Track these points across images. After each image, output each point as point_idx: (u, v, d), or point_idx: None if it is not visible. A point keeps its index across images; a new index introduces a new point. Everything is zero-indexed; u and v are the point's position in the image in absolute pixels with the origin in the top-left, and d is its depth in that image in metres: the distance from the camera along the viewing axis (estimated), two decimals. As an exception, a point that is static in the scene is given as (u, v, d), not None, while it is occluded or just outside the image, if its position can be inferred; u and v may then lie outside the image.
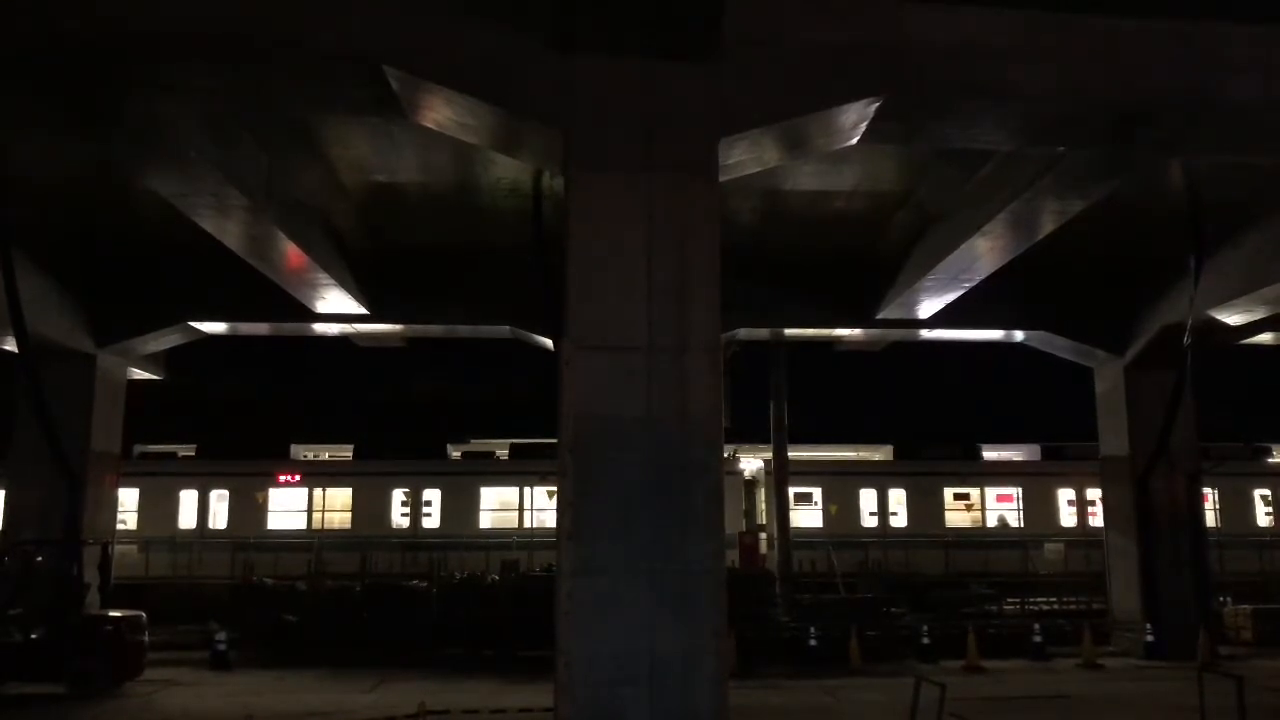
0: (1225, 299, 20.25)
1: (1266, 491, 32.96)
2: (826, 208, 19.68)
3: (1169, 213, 19.11)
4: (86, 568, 19.46)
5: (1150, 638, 23.06)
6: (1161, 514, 24.01)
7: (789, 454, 28.78)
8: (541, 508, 30.53)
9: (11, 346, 18.88)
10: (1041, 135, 13.00)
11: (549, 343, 21.59)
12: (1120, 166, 14.55)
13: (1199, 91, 12.15)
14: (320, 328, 23.62)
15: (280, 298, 20.90)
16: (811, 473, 31.64)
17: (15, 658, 17.58)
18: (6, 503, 22.77)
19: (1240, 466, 31.42)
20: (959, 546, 30.94)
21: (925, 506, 31.96)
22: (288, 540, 29.69)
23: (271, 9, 11.15)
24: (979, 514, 32.39)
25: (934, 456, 33.15)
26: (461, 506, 30.99)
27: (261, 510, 30.90)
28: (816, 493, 31.99)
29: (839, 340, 25.39)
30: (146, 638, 19.52)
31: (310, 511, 30.90)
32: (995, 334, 25.04)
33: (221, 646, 21.42)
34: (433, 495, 31.24)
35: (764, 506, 32.00)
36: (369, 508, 30.98)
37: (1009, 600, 28.17)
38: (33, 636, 17.87)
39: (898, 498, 32.18)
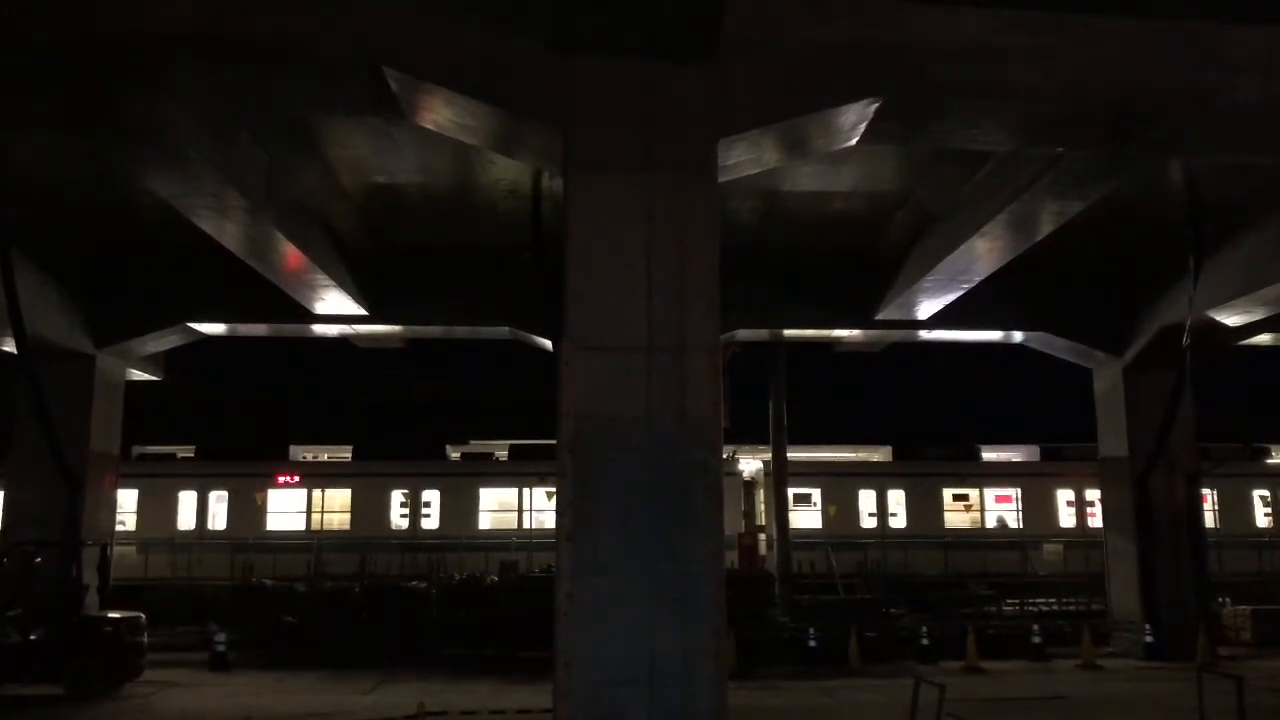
0: (1224, 299, 20.26)
1: (1266, 492, 32.97)
2: (826, 208, 19.68)
3: (1168, 213, 19.11)
4: (85, 569, 19.46)
5: (1149, 638, 23.06)
6: (1161, 515, 24.01)
7: (788, 455, 28.79)
8: (541, 508, 30.53)
9: (11, 347, 18.87)
10: (1041, 135, 12.99)
11: (548, 343, 21.59)
12: (1119, 167, 14.56)
13: (1199, 92, 12.13)
14: (319, 329, 23.63)
15: (279, 299, 20.90)
16: (811, 473, 31.65)
17: (14, 659, 17.55)
18: (5, 503, 22.79)
19: (1239, 467, 31.42)
20: (958, 547, 30.94)
21: (924, 507, 31.97)
22: (287, 541, 29.67)
23: (271, 10, 11.14)
24: (978, 515, 32.39)
25: (933, 457, 33.20)
26: (461, 507, 30.99)
27: (261, 511, 30.89)
28: (816, 493, 32.00)
29: (838, 341, 25.40)
30: (145, 639, 19.51)
31: (309, 512, 30.90)
32: (994, 335, 25.06)
33: (221, 648, 21.40)
34: (432, 496, 31.24)
35: (763, 507, 32.00)
36: (368, 509, 30.98)
37: (1008, 601, 28.14)
38: (31, 638, 17.86)
39: (897, 498, 32.20)
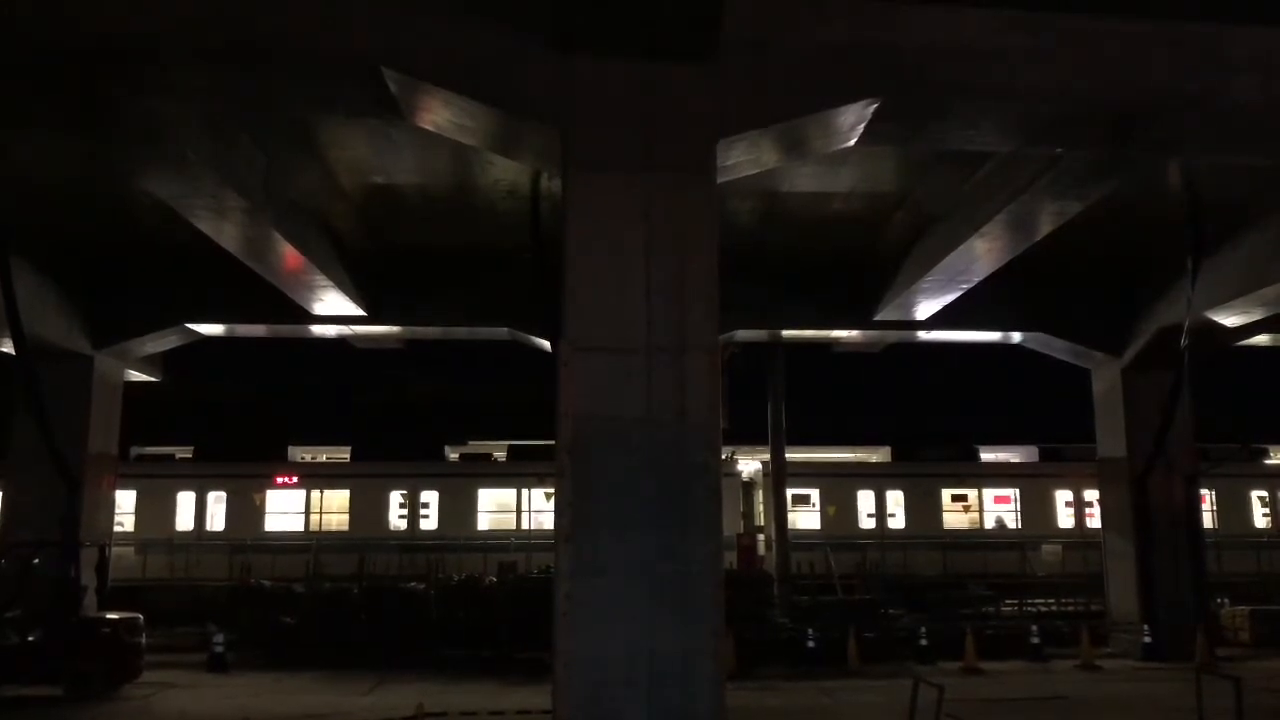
0: (1223, 300, 20.27)
1: (1264, 493, 32.98)
2: (825, 208, 19.68)
3: (1167, 214, 19.12)
4: (84, 570, 19.39)
5: (1148, 639, 23.06)
6: (1159, 515, 24.01)
7: (787, 455, 28.78)
8: (540, 509, 30.51)
9: (9, 348, 18.85)
10: (1040, 136, 12.99)
11: (547, 344, 21.56)
12: (1119, 167, 14.56)
13: (1198, 92, 12.14)
14: (318, 329, 23.61)
15: (278, 299, 20.88)
16: (809, 474, 31.65)
17: (12, 660, 17.52)
18: (4, 504, 22.75)
19: (1238, 468, 31.44)
20: (957, 548, 30.95)
21: (923, 508, 31.97)
22: (285, 542, 29.67)
23: (271, 10, 11.14)
24: (977, 515, 32.39)
25: (932, 458, 33.20)
26: (459, 508, 30.98)
27: (259, 512, 30.88)
28: (814, 494, 32.00)
29: (837, 341, 25.40)
30: (144, 640, 19.48)
31: (308, 513, 30.89)
32: (993, 335, 25.07)
33: (219, 649, 21.38)
34: (430, 497, 31.23)
35: (762, 508, 32.00)
36: (367, 509, 30.97)
37: (1007, 601, 28.15)
38: (30, 639, 17.83)
39: (895, 499, 32.20)
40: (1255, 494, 32.96)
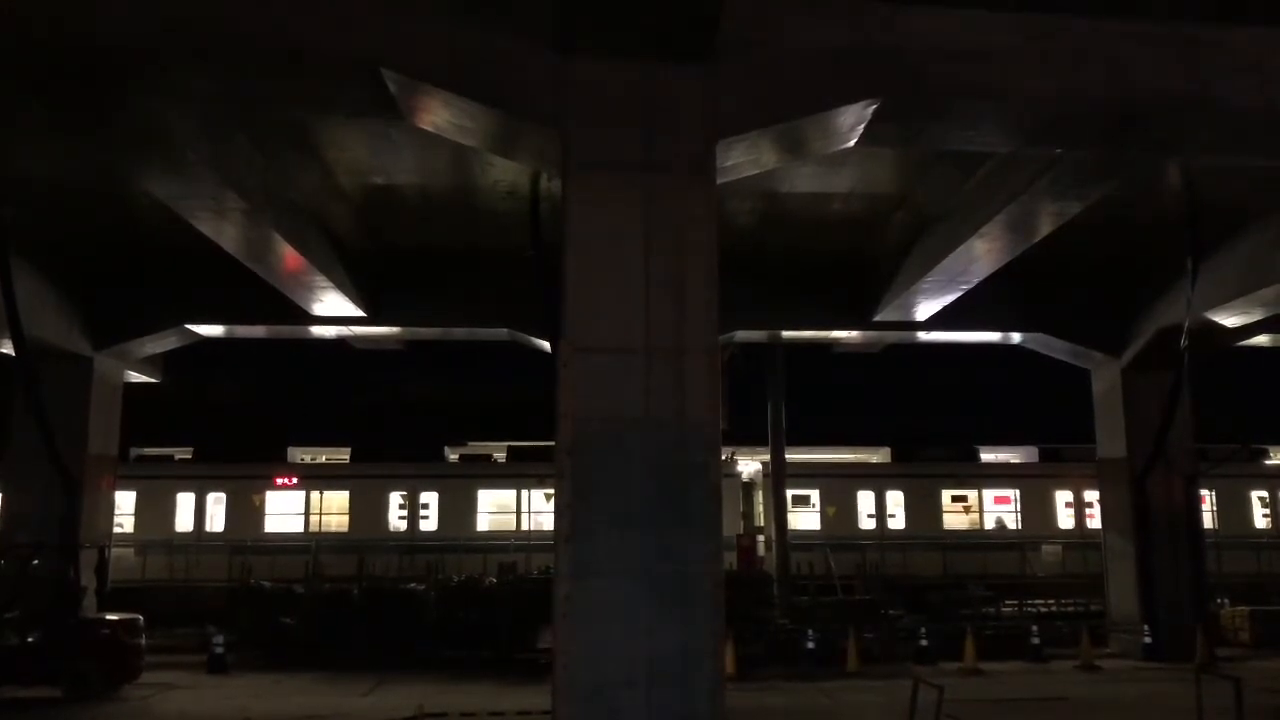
0: (1222, 301, 20.28)
1: (1264, 493, 32.96)
2: (824, 209, 19.68)
3: (1166, 215, 19.12)
4: (83, 571, 19.43)
5: (1148, 639, 23.08)
6: (1159, 516, 24.02)
7: (787, 456, 28.77)
8: (539, 510, 30.49)
9: (9, 349, 18.86)
10: (1039, 137, 12.99)
11: (547, 345, 21.57)
12: (1118, 168, 14.57)
13: (1198, 92, 12.14)
14: (318, 330, 23.62)
15: (278, 300, 20.89)
16: (809, 475, 31.61)
17: (12, 661, 17.54)
18: (3, 505, 22.73)
19: (1237, 468, 31.40)
20: (957, 548, 30.89)
21: (923, 508, 31.93)
22: (285, 543, 29.63)
23: (270, 11, 11.14)
24: (976, 516, 32.36)
25: (932, 458, 33.16)
26: (459, 509, 30.95)
27: (259, 513, 30.83)
28: (814, 495, 31.96)
29: (837, 342, 25.40)
30: (143, 641, 19.49)
31: (307, 514, 30.85)
32: (993, 336, 25.07)
33: (219, 650, 21.38)
34: (430, 498, 31.20)
35: (762, 509, 31.98)
36: (366, 510, 30.93)
37: (1007, 602, 28.16)
38: (29, 640, 17.84)
39: (895, 499, 32.15)
40: (1255, 494, 32.93)
